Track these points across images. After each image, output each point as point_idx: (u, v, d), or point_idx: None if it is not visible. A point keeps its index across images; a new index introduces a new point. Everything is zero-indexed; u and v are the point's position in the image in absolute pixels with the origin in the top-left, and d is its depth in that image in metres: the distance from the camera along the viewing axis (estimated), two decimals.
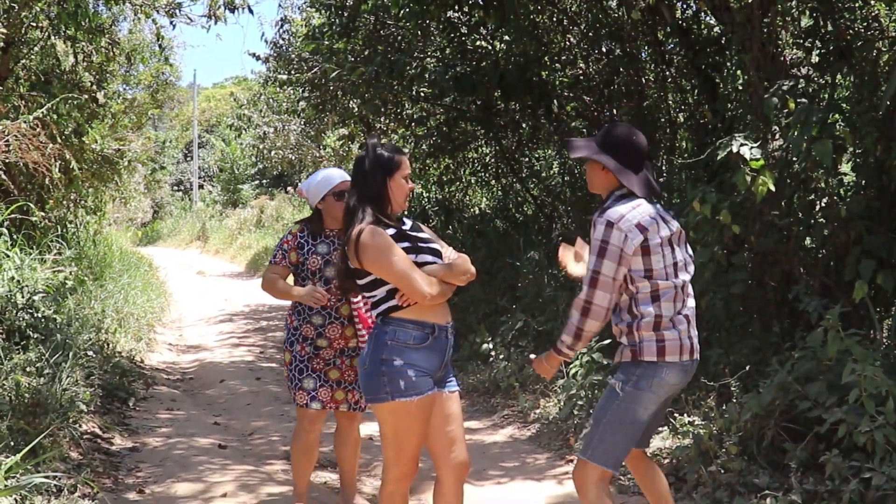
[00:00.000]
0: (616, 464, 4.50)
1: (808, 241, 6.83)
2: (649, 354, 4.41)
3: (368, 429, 8.17)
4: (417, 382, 4.36)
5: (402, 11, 11.15)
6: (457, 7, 11.25)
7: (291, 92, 18.56)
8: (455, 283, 4.50)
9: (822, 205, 6.65)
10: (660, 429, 6.93)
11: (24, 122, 9.80)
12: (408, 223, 4.65)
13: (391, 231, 4.46)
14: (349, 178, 5.78)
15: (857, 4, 7.08)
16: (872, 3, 7.25)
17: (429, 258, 4.49)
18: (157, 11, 12.02)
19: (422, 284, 4.34)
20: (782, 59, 7.32)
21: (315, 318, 5.74)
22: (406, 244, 4.46)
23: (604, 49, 10.80)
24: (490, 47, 12.01)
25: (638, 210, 4.48)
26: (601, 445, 4.45)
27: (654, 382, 4.42)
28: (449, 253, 4.64)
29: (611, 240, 4.39)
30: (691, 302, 4.62)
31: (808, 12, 7.35)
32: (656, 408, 4.51)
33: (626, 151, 4.60)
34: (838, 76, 7.01)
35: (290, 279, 5.91)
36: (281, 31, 18.09)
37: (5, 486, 4.97)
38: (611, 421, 4.44)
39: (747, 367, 6.59)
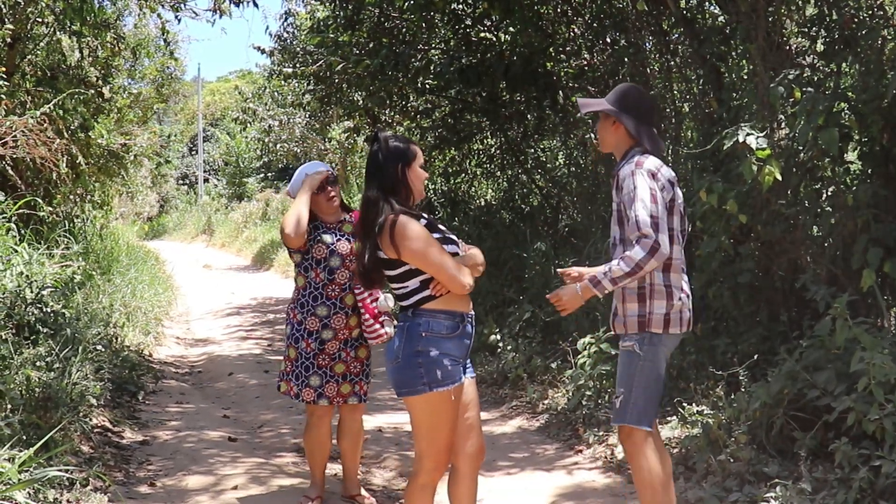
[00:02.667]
0: (652, 422, 4.72)
1: (815, 229, 6.82)
2: (656, 326, 4.62)
3: (379, 421, 8.21)
4: (453, 371, 4.38)
5: (406, 3, 11.17)
6: None
7: (296, 85, 18.63)
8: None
9: (829, 193, 6.64)
10: (668, 418, 6.95)
11: (31, 117, 9.84)
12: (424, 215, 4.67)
13: (423, 222, 4.47)
14: (322, 168, 5.82)
15: None
16: None
17: (451, 248, 4.51)
18: (162, 6, 12.07)
19: (459, 274, 4.38)
20: (787, 48, 7.31)
21: (319, 310, 5.75)
22: (436, 235, 4.48)
23: (608, 39, 10.79)
24: (495, 39, 12.01)
25: (665, 168, 4.67)
26: (637, 408, 4.68)
27: (662, 343, 4.67)
28: (462, 245, 4.65)
29: (656, 189, 4.50)
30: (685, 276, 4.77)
31: (812, 1, 7.34)
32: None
33: (636, 106, 4.73)
34: (844, 65, 7.00)
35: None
36: (285, 24, 18.14)
37: (19, 479, 4.99)
38: (640, 382, 4.65)
39: (755, 357, 6.60)
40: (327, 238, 5.75)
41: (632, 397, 4.65)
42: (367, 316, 5.70)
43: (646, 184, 4.52)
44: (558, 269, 5.14)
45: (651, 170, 4.59)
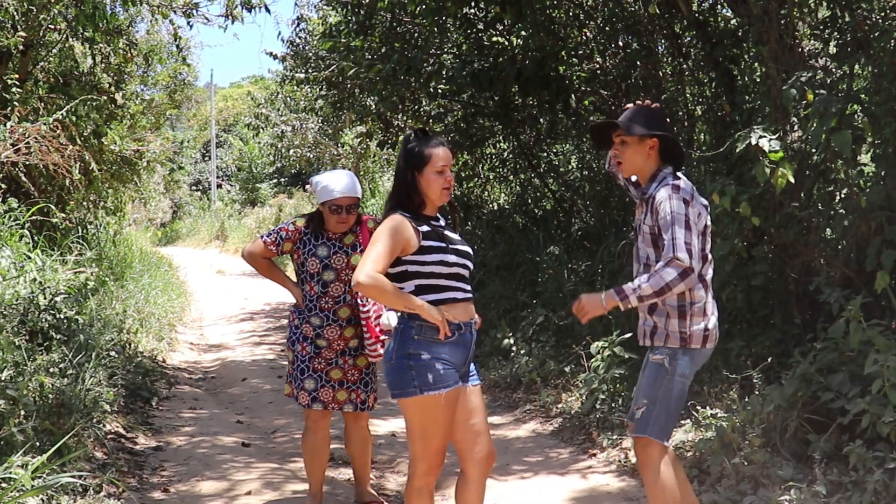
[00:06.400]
0: (670, 436, 4.74)
1: (828, 232, 6.79)
2: (696, 342, 4.65)
3: (392, 425, 8.21)
4: (445, 375, 4.38)
5: (418, 8, 11.15)
6: (473, 3, 11.25)
7: (309, 90, 18.59)
8: (421, 312, 4.40)
9: (842, 196, 6.62)
10: (682, 422, 6.93)
11: (44, 124, 9.87)
12: (441, 221, 4.66)
13: (425, 228, 4.47)
14: (351, 194, 5.71)
15: None
16: None
17: (453, 258, 4.50)
18: (175, 12, 12.06)
19: (366, 266, 4.29)
20: (800, 50, 7.28)
21: (313, 319, 5.79)
22: (438, 243, 4.48)
23: (621, 43, 10.77)
24: (507, 43, 12.00)
25: (697, 191, 4.69)
26: (659, 421, 4.66)
27: (694, 357, 4.69)
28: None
29: (690, 215, 4.51)
30: None
31: (825, 3, 7.32)
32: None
33: (668, 128, 4.78)
34: (856, 66, 6.97)
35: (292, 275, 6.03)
36: (298, 29, 18.10)
37: (33, 486, 5.00)
38: (664, 396, 4.65)
39: (769, 359, 6.59)
40: (322, 252, 5.74)
41: (655, 410, 4.64)
42: (368, 334, 5.69)
43: (682, 209, 4.52)
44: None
45: (686, 198, 4.58)
